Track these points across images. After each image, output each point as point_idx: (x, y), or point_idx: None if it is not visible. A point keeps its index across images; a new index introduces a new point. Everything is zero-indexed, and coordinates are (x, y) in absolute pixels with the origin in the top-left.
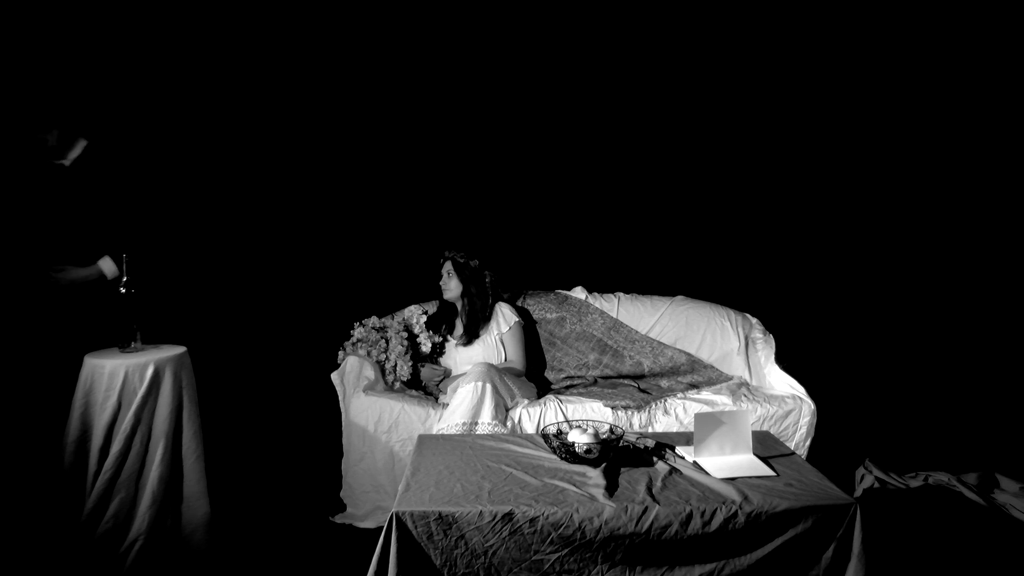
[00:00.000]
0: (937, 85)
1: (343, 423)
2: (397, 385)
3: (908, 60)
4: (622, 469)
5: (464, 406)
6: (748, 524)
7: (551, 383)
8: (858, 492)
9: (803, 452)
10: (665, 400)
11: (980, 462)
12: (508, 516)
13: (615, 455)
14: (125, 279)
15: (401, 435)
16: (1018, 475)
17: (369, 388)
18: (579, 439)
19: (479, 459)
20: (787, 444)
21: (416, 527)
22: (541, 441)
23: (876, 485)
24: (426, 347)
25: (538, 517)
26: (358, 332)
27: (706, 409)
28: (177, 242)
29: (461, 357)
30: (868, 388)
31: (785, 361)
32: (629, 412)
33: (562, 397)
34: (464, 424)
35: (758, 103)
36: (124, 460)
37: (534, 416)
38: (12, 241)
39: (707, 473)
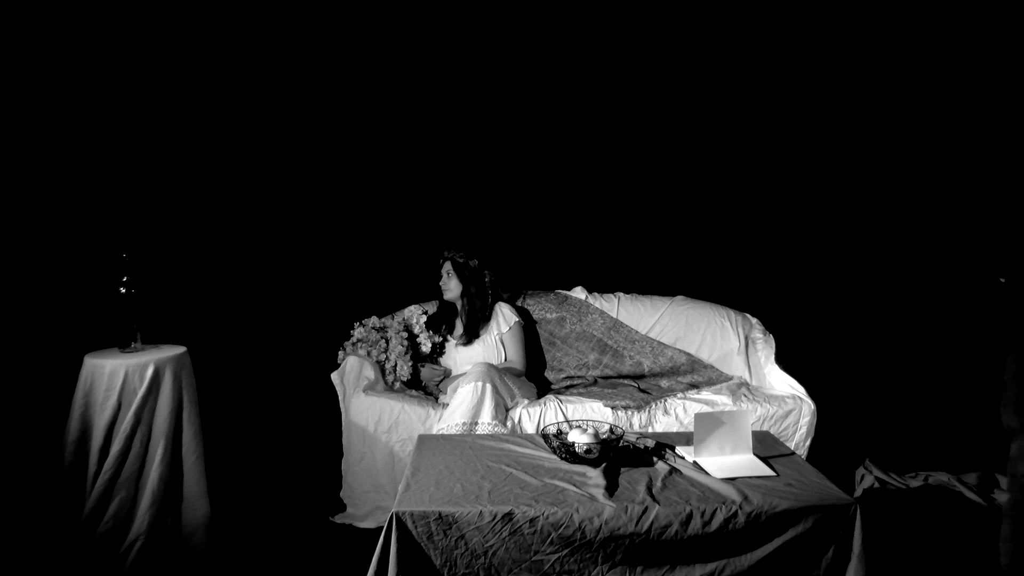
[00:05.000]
0: (940, 86)
1: (343, 423)
2: (397, 385)
3: (908, 63)
4: (622, 469)
5: (464, 406)
6: (748, 524)
7: (551, 383)
8: (858, 492)
9: (803, 452)
10: (665, 400)
11: (980, 462)
12: (508, 516)
13: (615, 455)
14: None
15: (401, 435)
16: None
17: (369, 388)
18: (579, 439)
19: (479, 459)
20: (787, 444)
21: (416, 527)
22: (541, 441)
23: (876, 485)
24: (426, 347)
25: (538, 517)
26: (358, 332)
27: (706, 409)
28: (177, 242)
29: (461, 357)
30: (868, 388)
31: (785, 361)
32: (629, 412)
33: (562, 397)
34: (464, 424)
35: (758, 104)
36: (124, 460)
37: (534, 416)
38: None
39: (707, 473)
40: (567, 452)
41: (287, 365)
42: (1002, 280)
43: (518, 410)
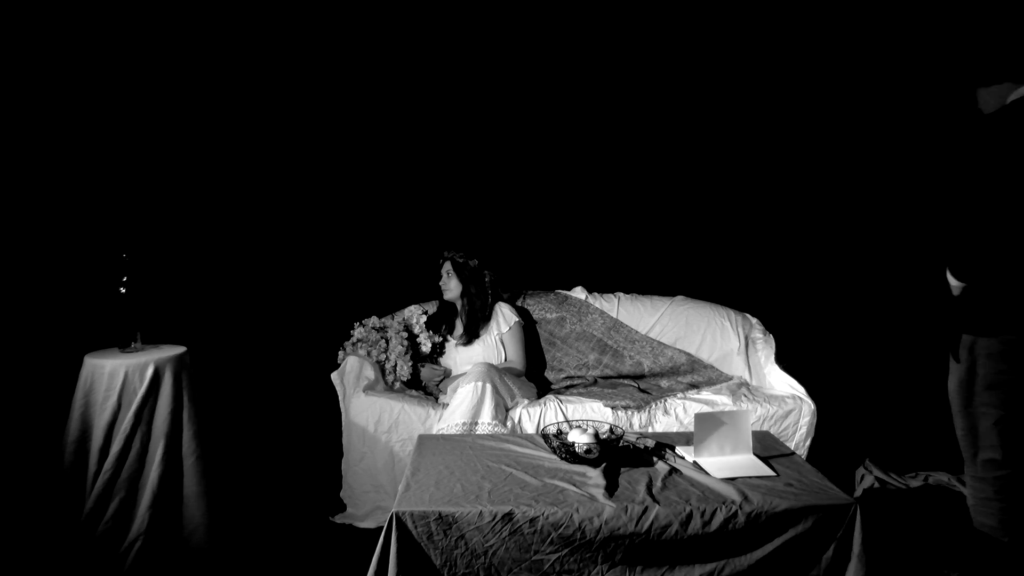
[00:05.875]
0: (941, 87)
1: (343, 423)
2: (397, 385)
3: (905, 65)
4: (622, 469)
5: (464, 406)
6: (748, 524)
7: (551, 383)
8: (858, 492)
9: (803, 452)
10: (665, 400)
11: None
12: (508, 516)
13: (615, 455)
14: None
15: (401, 435)
16: None
17: (369, 388)
18: (579, 439)
19: (479, 459)
20: (787, 444)
21: (416, 527)
22: (541, 441)
23: (876, 485)
24: (426, 347)
25: (538, 517)
26: (358, 332)
27: (706, 409)
28: (177, 242)
29: (461, 357)
30: (868, 388)
31: (785, 361)
32: (629, 412)
33: (562, 397)
34: (464, 424)
35: (758, 105)
36: (124, 460)
37: (534, 416)
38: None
39: (707, 473)
40: (567, 452)
41: (287, 365)
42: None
43: (518, 410)
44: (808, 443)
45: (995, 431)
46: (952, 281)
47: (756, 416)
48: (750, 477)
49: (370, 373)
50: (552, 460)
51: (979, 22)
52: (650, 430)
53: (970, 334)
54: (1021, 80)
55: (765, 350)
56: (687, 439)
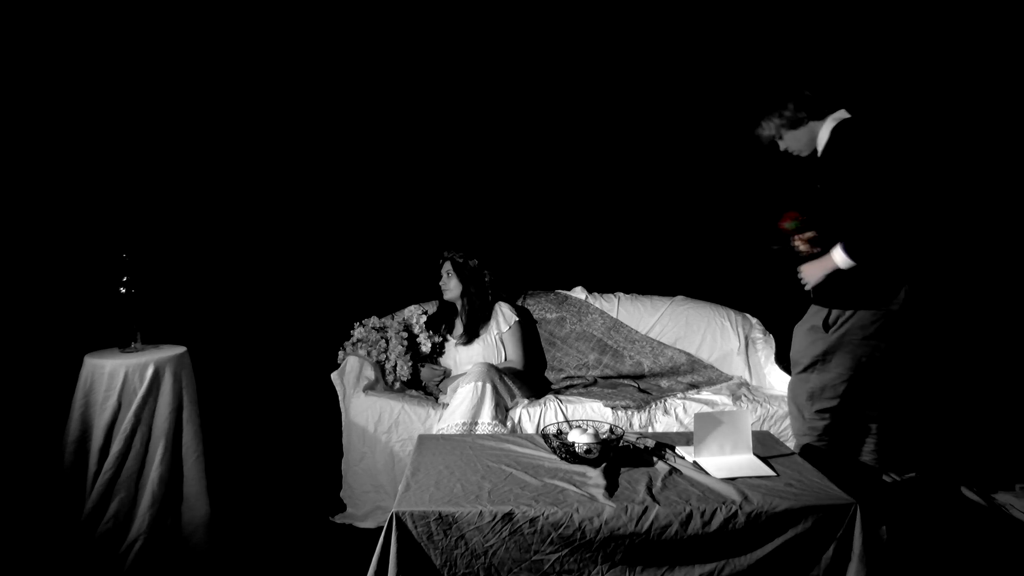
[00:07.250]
0: (948, 84)
1: (343, 423)
2: (397, 385)
3: (910, 60)
4: (622, 469)
5: (464, 406)
6: (748, 524)
7: (551, 383)
8: None
9: None
10: (665, 400)
11: (980, 462)
12: (508, 516)
13: (615, 455)
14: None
15: (401, 435)
16: (1018, 475)
17: (369, 388)
18: (579, 439)
19: (479, 459)
20: (787, 444)
21: (416, 527)
22: (541, 441)
23: None
24: (426, 347)
25: (538, 517)
26: (358, 332)
27: (706, 409)
28: (177, 242)
29: (461, 357)
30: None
31: (785, 361)
32: (629, 412)
33: (562, 397)
34: (464, 424)
35: (756, 105)
36: (124, 460)
37: (534, 416)
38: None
39: (707, 473)
40: (567, 452)
41: (287, 365)
42: (774, 248)
43: (518, 410)
44: None
45: (842, 385)
46: (842, 262)
47: (756, 416)
48: (750, 477)
49: (370, 373)
50: (552, 460)
51: (770, 78)
52: (650, 430)
53: (849, 308)
54: (819, 116)
55: (765, 350)
56: (687, 439)
